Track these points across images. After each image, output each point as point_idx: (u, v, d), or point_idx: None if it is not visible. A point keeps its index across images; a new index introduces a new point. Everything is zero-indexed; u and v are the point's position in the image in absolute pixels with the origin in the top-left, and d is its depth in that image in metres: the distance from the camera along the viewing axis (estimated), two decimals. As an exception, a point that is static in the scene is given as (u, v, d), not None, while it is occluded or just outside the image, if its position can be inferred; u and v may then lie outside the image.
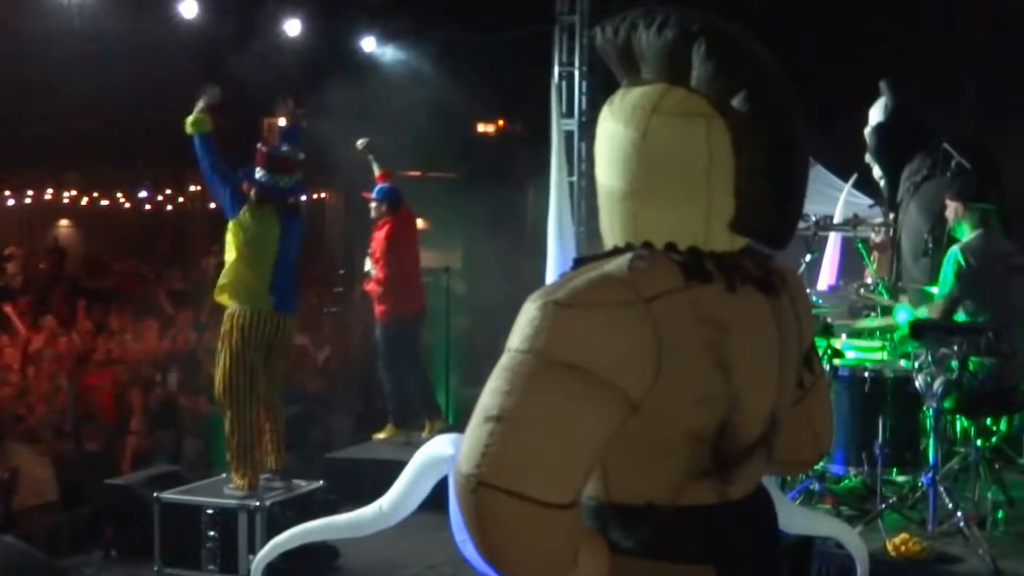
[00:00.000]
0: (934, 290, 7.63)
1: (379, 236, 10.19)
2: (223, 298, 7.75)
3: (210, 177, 7.86)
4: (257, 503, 7.49)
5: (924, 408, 7.13)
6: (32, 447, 10.40)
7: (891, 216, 8.92)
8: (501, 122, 31.95)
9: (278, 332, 7.81)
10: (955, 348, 6.67)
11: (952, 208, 7.49)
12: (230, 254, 7.77)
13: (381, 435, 10.31)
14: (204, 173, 7.87)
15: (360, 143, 10.63)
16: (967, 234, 7.38)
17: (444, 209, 18.23)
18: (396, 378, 10.33)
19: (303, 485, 8.09)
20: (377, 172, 10.56)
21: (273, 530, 6.48)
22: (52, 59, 23.81)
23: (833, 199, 13.28)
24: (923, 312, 7.43)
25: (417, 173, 23.80)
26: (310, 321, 17.35)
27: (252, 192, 7.76)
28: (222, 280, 7.78)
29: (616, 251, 2.33)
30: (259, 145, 7.98)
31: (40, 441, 10.55)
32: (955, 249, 7.31)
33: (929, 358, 6.73)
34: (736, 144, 2.29)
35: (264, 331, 7.70)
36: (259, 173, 7.75)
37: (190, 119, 7.61)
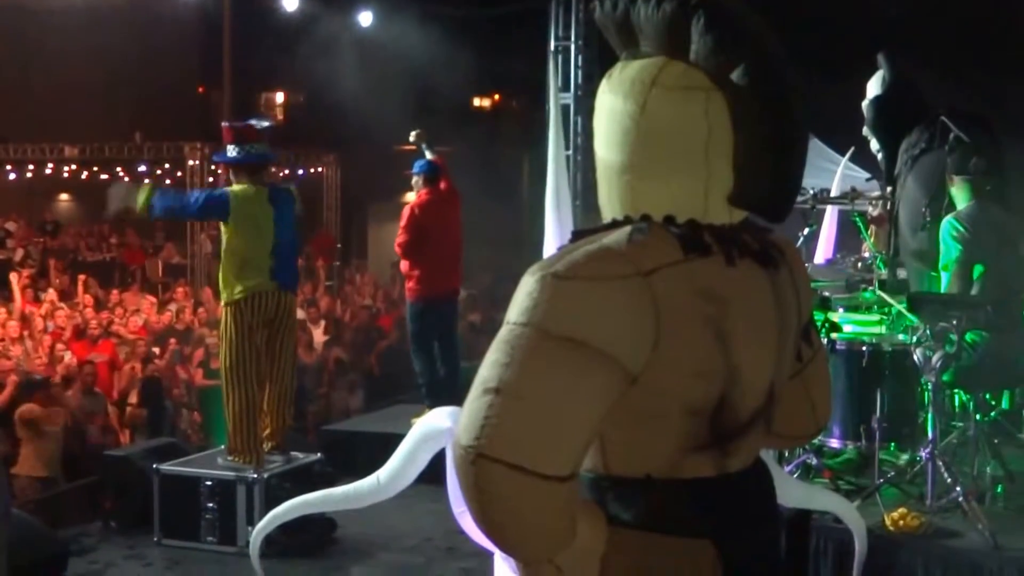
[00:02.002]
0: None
1: (408, 205, 9.91)
2: (227, 281, 7.73)
3: (193, 214, 8.36)
4: (255, 475, 7.51)
5: (922, 382, 7.11)
6: (33, 418, 10.41)
7: (889, 189, 8.89)
8: (496, 96, 31.95)
9: (279, 309, 7.81)
10: (954, 322, 6.65)
11: (950, 182, 7.50)
12: (228, 239, 7.77)
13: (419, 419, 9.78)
14: (188, 215, 8.40)
15: (413, 135, 10.42)
16: (961, 204, 7.37)
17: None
18: (425, 359, 9.84)
19: (301, 457, 8.11)
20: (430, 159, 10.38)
21: (271, 502, 6.49)
22: (53, 35, 23.81)
23: (830, 172, 13.28)
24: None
25: (412, 147, 23.73)
26: (307, 295, 17.39)
27: (230, 172, 7.88)
28: (224, 263, 7.79)
29: (614, 224, 2.33)
30: (223, 124, 8.19)
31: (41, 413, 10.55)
32: (949, 217, 7.30)
33: (927, 332, 6.71)
34: (735, 118, 2.29)
35: (266, 309, 7.71)
36: (231, 149, 7.80)
37: (138, 199, 7.69)
